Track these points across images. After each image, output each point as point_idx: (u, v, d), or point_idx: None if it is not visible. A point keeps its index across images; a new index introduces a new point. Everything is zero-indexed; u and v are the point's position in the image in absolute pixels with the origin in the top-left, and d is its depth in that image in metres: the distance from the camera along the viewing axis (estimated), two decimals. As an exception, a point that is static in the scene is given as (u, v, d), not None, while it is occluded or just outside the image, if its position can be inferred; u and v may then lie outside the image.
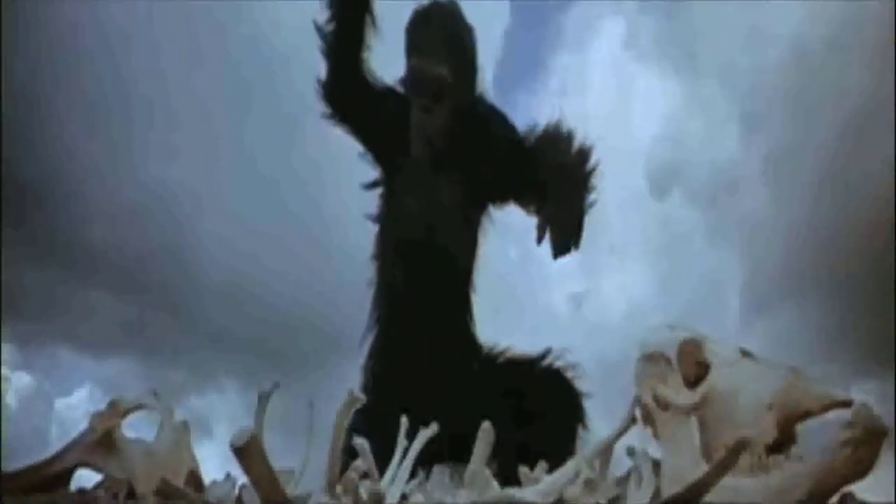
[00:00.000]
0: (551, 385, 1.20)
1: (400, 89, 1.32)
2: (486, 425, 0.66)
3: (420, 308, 1.23)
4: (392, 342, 1.25)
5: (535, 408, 1.14)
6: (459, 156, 1.29)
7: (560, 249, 1.24)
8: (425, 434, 0.78)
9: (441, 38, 1.23)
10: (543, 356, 1.25)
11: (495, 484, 0.65)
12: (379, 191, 1.35)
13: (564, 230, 1.24)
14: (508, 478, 0.70)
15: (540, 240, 1.25)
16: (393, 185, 1.31)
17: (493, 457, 0.66)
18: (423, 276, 1.23)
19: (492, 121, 1.35)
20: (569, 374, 1.22)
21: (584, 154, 1.28)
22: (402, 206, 1.27)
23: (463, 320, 1.28)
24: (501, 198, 1.36)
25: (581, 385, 1.21)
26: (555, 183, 1.26)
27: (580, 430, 1.09)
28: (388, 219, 1.30)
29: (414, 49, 1.24)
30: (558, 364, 1.24)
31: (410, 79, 1.24)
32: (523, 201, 1.34)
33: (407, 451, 0.77)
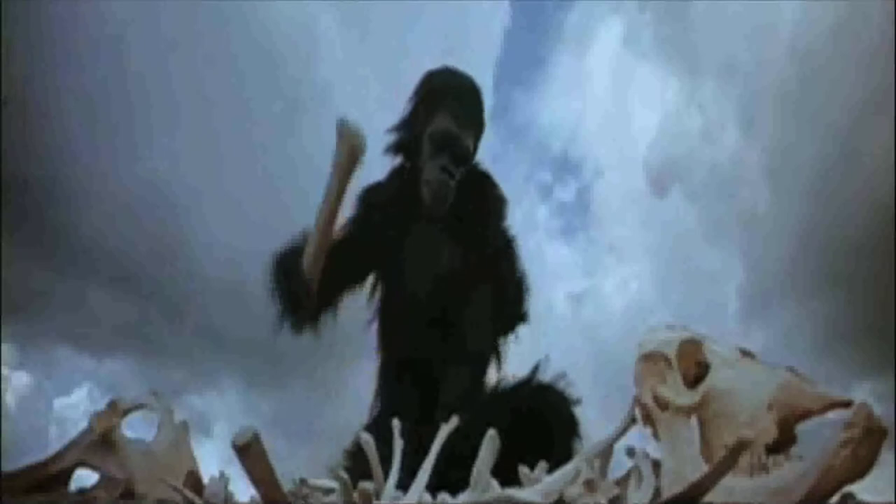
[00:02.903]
0: (541, 405, 1.14)
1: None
2: (491, 433, 0.65)
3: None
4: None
5: (529, 432, 1.06)
6: (465, 218, 1.27)
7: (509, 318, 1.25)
8: (445, 430, 0.76)
9: (472, 110, 1.26)
10: (531, 376, 1.19)
11: (495, 484, 0.65)
12: None
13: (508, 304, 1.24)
14: (508, 478, 0.70)
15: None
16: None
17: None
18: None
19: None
20: (559, 385, 1.16)
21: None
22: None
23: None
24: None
25: (573, 392, 1.15)
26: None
27: (576, 442, 1.07)
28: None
29: (448, 113, 1.24)
30: (546, 379, 1.18)
31: (441, 140, 1.22)
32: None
33: (404, 452, 0.75)
